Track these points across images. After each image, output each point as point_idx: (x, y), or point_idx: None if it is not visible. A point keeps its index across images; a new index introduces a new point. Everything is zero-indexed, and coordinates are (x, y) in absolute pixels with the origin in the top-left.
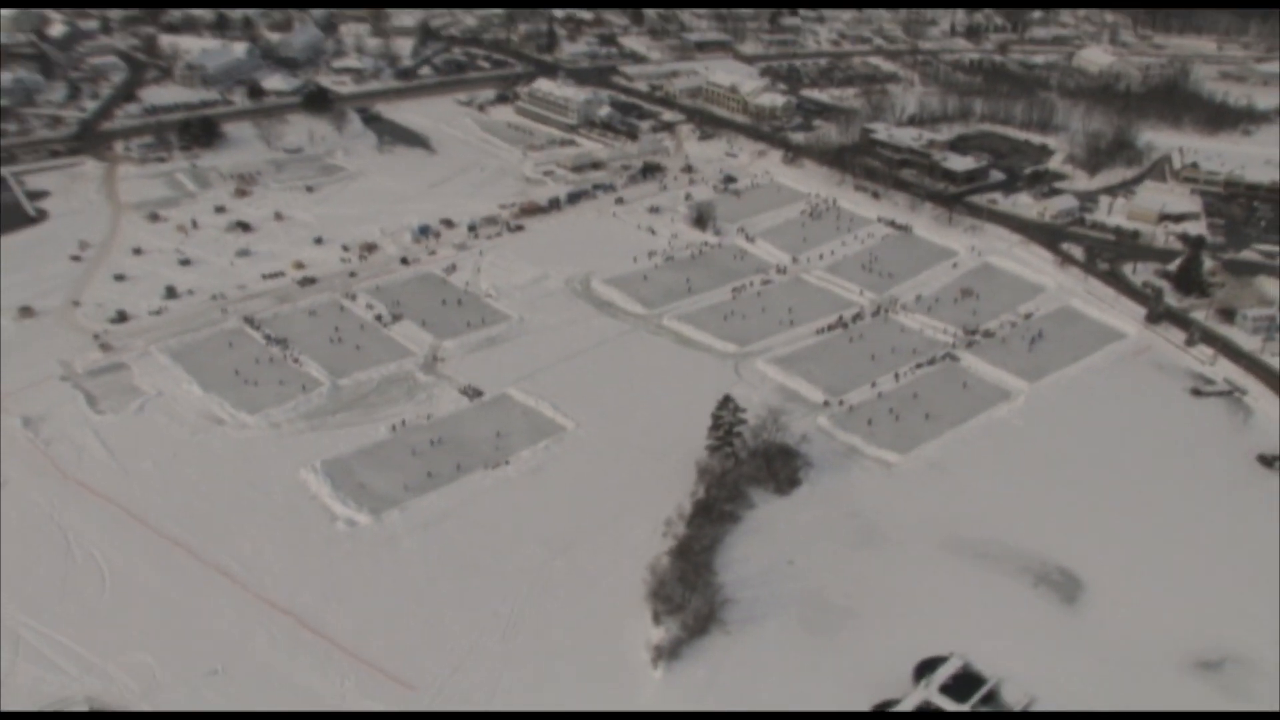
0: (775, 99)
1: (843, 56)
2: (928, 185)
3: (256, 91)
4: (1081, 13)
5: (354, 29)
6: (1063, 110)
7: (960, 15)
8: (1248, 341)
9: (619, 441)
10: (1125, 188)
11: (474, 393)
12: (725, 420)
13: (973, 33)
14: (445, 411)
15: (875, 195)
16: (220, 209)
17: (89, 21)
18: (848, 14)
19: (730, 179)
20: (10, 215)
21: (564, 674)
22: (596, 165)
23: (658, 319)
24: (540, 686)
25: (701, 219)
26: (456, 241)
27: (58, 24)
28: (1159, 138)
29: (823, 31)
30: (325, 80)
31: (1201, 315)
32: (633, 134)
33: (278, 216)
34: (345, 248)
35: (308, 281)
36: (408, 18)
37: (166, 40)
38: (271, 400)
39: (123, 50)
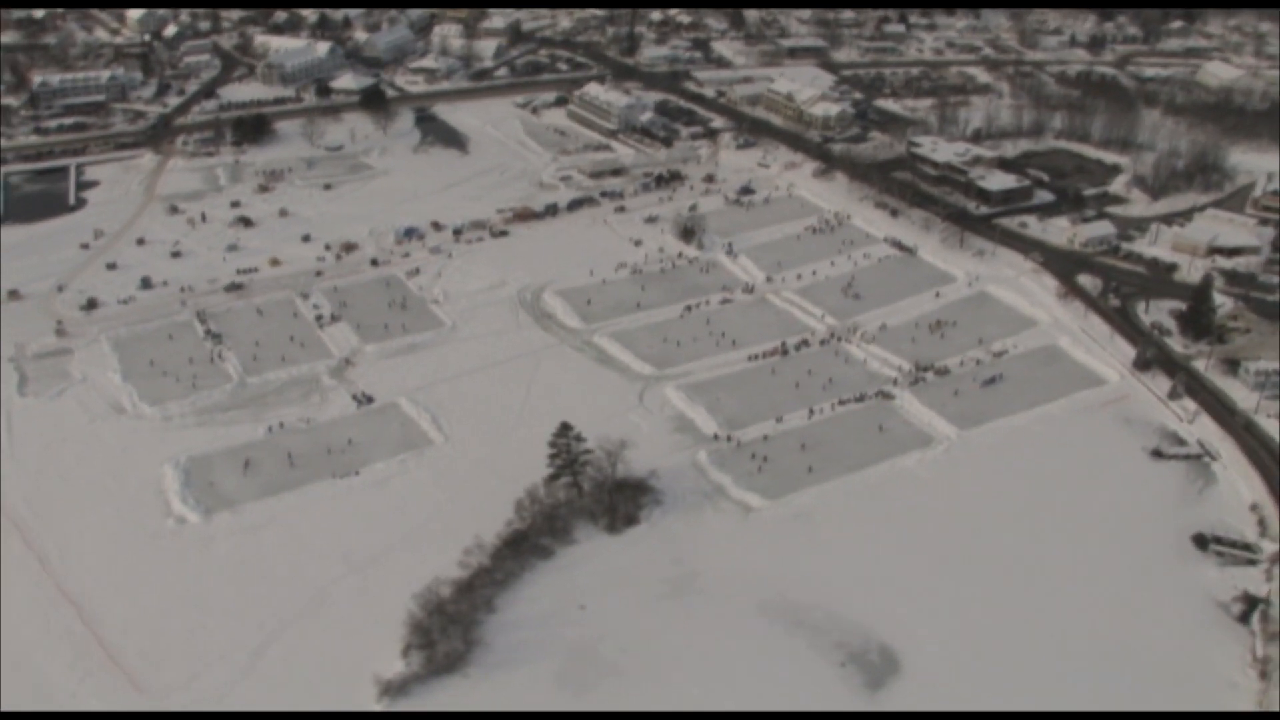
0: (829, 108)
1: (940, 66)
2: (959, 204)
3: (324, 90)
4: (1232, 21)
5: (448, 29)
6: (1153, 127)
7: (1090, 24)
8: (1246, 398)
9: (479, 461)
10: (1186, 215)
11: (365, 399)
12: (563, 448)
13: (1096, 43)
14: (328, 417)
15: (894, 213)
16: (235, 204)
17: (204, 22)
18: (962, 21)
19: (747, 190)
20: (52, 203)
21: (292, 696)
22: (618, 172)
23: (590, 334)
24: (264, 706)
25: (688, 232)
26: (434, 245)
27: (172, 25)
28: (1259, 162)
29: (929, 39)
30: (400, 80)
31: (1203, 364)
32: (668, 141)
33: (282, 213)
34: (327, 246)
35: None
36: (503, 19)
37: (260, 40)
38: (176, 393)
39: (226, 50)
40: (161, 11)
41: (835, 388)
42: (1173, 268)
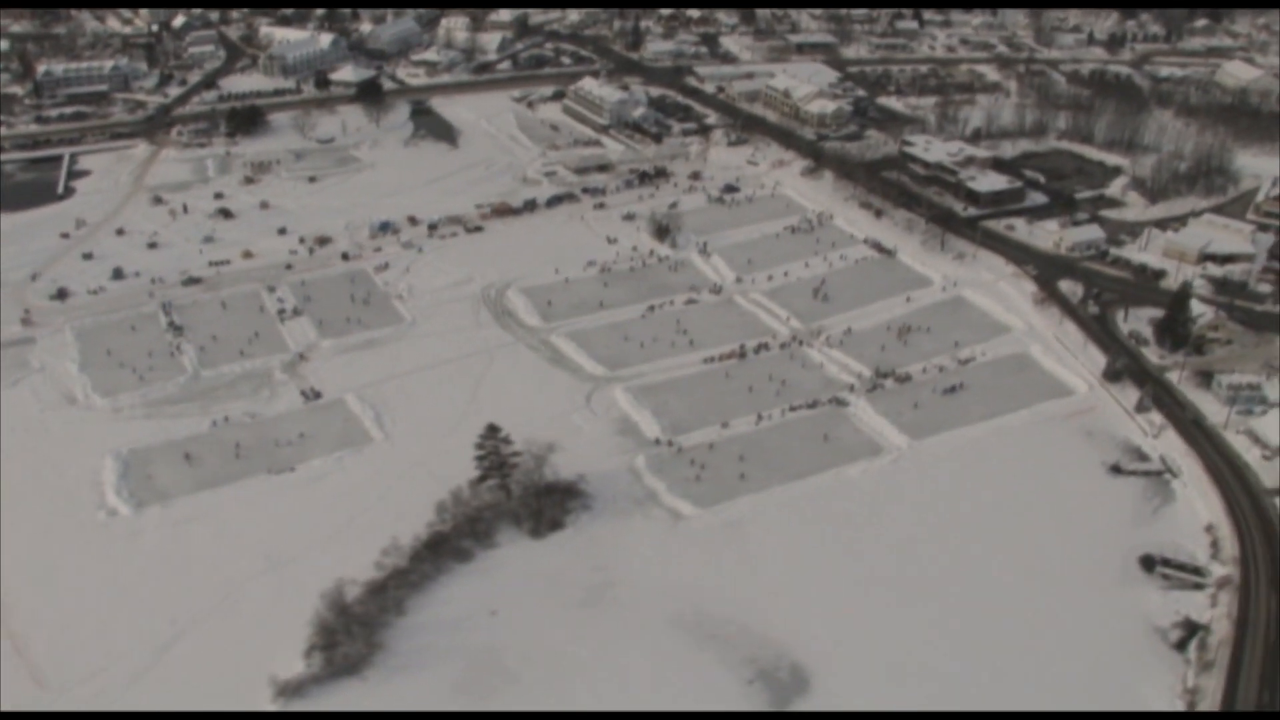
0: (826, 105)
1: (950, 64)
2: (948, 205)
3: (323, 82)
4: (1260, 20)
5: (454, 22)
6: (1159, 129)
7: (1110, 22)
8: (1217, 412)
9: (416, 461)
10: (1182, 220)
11: (313, 395)
12: (490, 450)
13: (1115, 42)
14: (274, 412)
15: (878, 214)
16: (219, 195)
17: (213, 13)
18: (978, 18)
19: (731, 188)
20: (41, 192)
21: (190, 695)
22: (603, 168)
23: (548, 333)
24: (162, 704)
25: (662, 230)
26: (406, 240)
27: (181, 15)
28: (1268, 165)
29: (942, 36)
30: (401, 72)
31: (1176, 376)
32: (658, 137)
33: (263, 205)
34: (301, 239)
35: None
36: (510, 12)
37: (265, 31)
38: (129, 385)
39: (232, 41)
40: None
41: (789, 393)
42: (1160, 274)
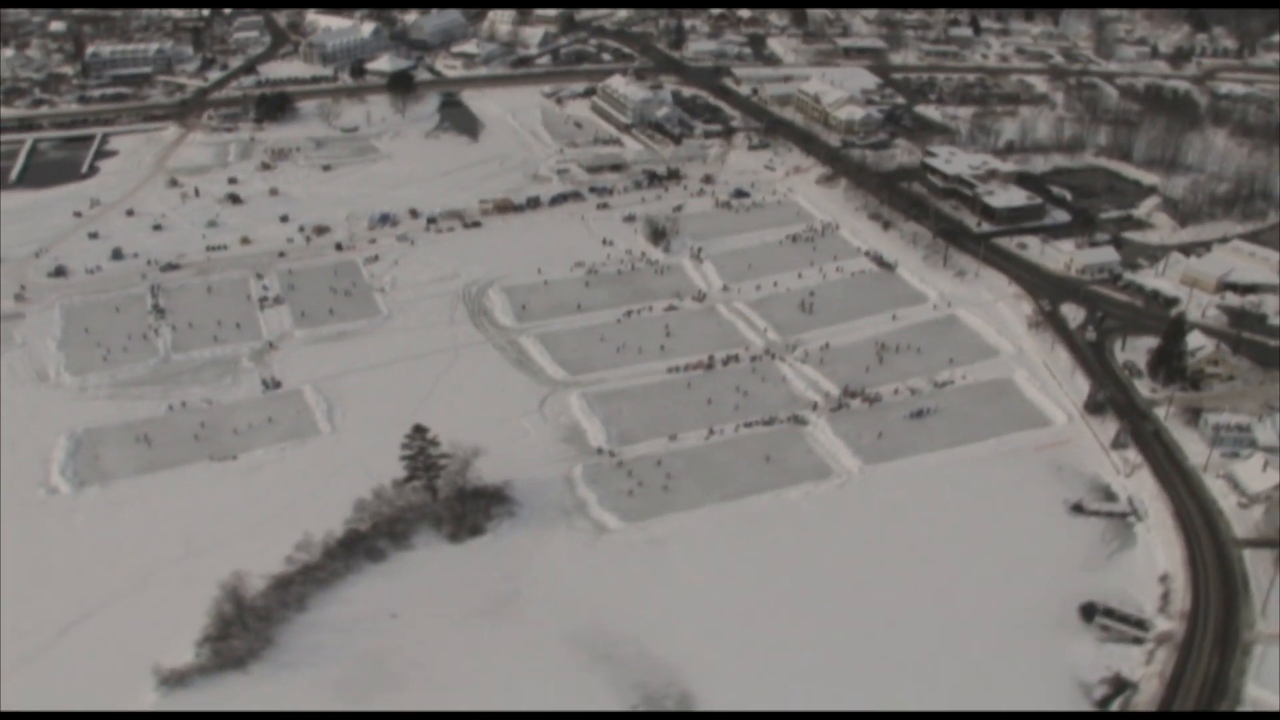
0: (854, 112)
1: (1000, 73)
2: (962, 220)
3: (358, 71)
4: None
5: (500, 15)
6: (1204, 149)
7: (1179, 35)
8: (1201, 453)
9: (356, 456)
10: (1208, 245)
11: (273, 384)
12: (415, 450)
13: (1181, 56)
14: (231, 399)
15: (886, 225)
16: (232, 180)
17: None
18: (1038, 27)
19: (741, 193)
20: (67, 171)
21: (78, 680)
22: (616, 167)
23: (519, 334)
24: (42, 690)
25: (658, 233)
26: (401, 232)
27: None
28: None
29: (996, 45)
30: (440, 64)
31: (1164, 412)
32: (678, 138)
33: (273, 192)
34: (301, 228)
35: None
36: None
37: (311, 18)
38: (100, 365)
39: (279, 27)
40: None
41: (749, 408)
42: (1173, 302)
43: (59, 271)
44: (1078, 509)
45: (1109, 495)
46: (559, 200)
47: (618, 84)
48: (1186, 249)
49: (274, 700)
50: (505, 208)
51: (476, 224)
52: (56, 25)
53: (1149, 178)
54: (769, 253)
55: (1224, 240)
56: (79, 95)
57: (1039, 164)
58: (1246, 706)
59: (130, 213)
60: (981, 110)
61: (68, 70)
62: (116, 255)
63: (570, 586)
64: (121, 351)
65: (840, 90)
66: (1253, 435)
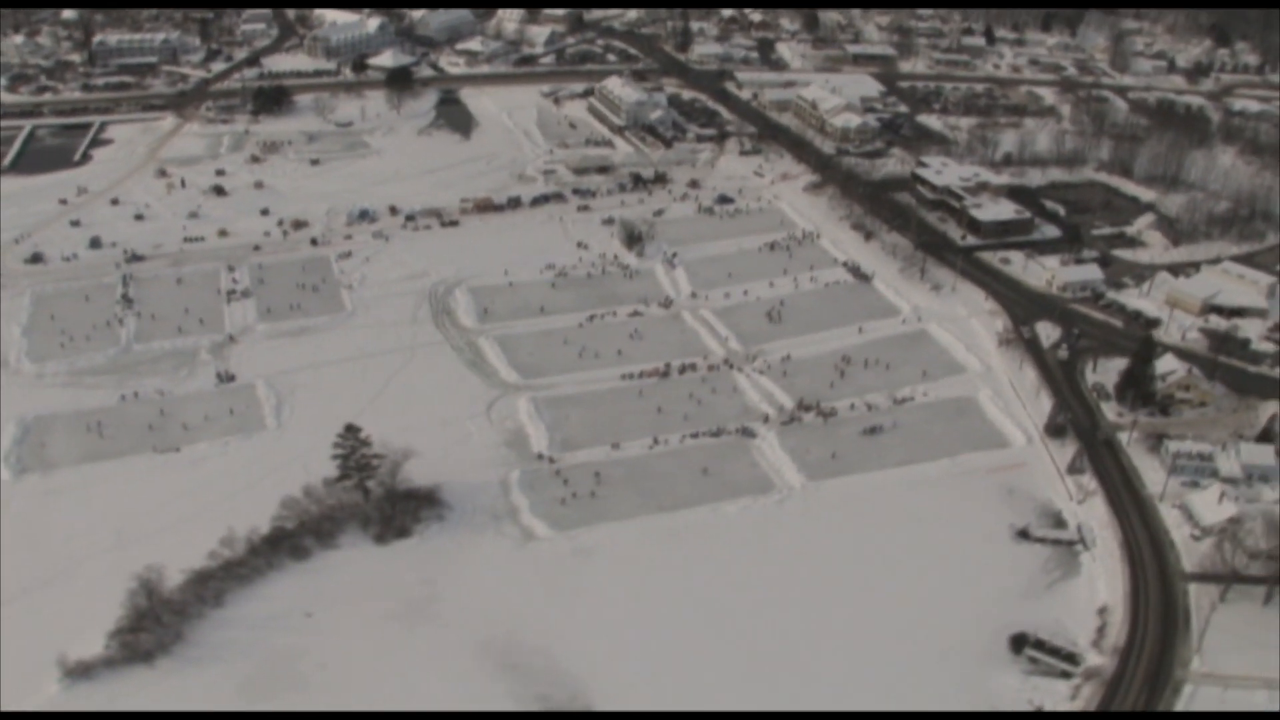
0: (850, 119)
1: (1010, 84)
2: (947, 232)
3: (360, 66)
4: None
5: (509, 13)
6: (1206, 167)
7: (1199, 50)
8: (1159, 482)
9: (298, 453)
10: (1198, 265)
11: (227, 378)
12: (346, 450)
13: (1199, 71)
14: (184, 391)
15: (868, 236)
16: (220, 172)
17: None
18: (1054, 38)
19: (725, 199)
20: (60, 158)
21: None
22: (603, 169)
23: (477, 335)
24: None
25: (633, 238)
26: (377, 229)
27: None
28: None
29: (1009, 55)
30: (443, 61)
31: (1127, 437)
32: (669, 141)
33: (258, 185)
34: (279, 222)
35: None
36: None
37: (319, 12)
38: (60, 353)
39: (288, 19)
40: None
41: (700, 418)
42: (1154, 323)
43: (36, 258)
44: (1023, 535)
45: (1058, 522)
46: (540, 201)
47: (614, 85)
48: (1176, 269)
49: (175, 696)
50: (485, 207)
51: (454, 223)
52: (68, 14)
53: (1148, 194)
54: (745, 260)
55: (1215, 261)
56: (83, 83)
57: (1035, 177)
58: None
59: (115, 201)
60: (985, 121)
61: (75, 58)
62: (94, 244)
63: (489, 593)
64: (84, 340)
65: (838, 97)
66: (1214, 465)
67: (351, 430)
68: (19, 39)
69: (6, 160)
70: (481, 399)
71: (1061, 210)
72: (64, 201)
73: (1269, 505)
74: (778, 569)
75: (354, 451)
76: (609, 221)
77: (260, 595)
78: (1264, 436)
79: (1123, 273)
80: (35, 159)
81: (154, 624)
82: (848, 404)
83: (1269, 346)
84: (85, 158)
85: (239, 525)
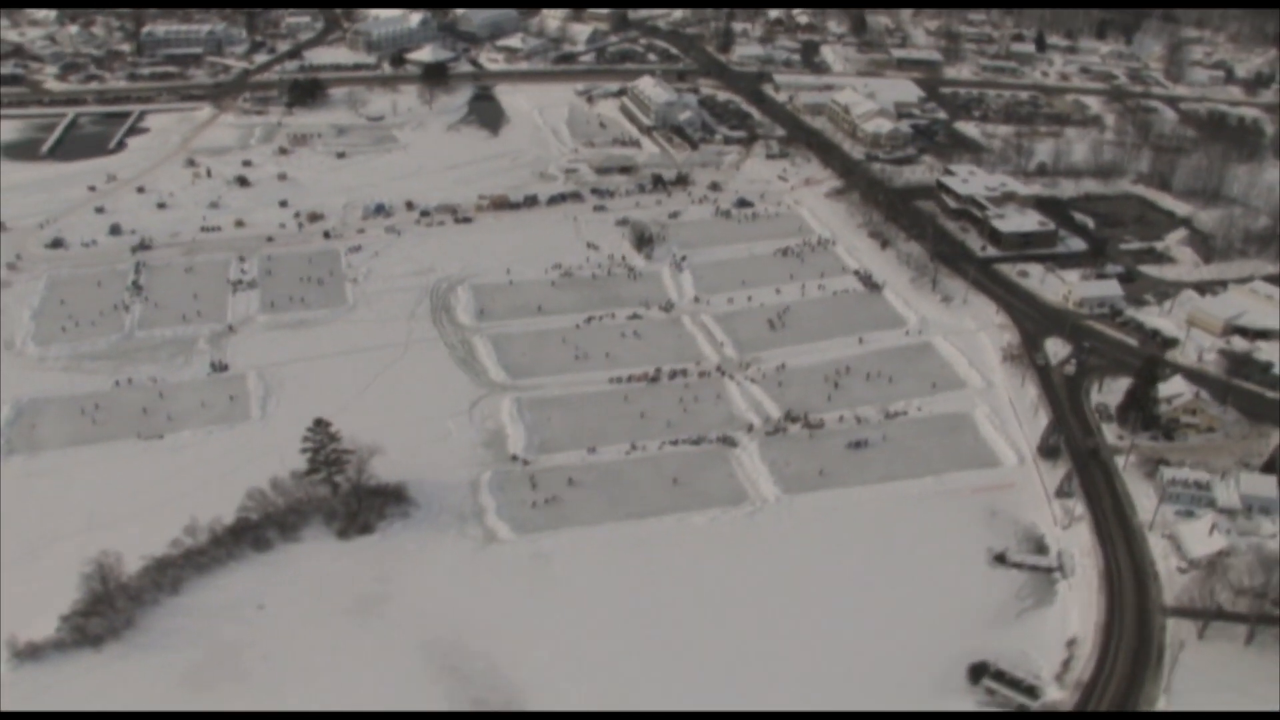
0: (882, 125)
1: (1056, 92)
2: (968, 242)
3: (398, 60)
4: None
5: (553, 11)
6: (1250, 180)
7: (1261, 60)
8: (1149, 509)
9: (276, 445)
10: (1224, 284)
11: (220, 367)
12: (315, 444)
13: (1260, 82)
14: (178, 379)
15: (884, 244)
16: (246, 163)
17: None
18: (1108, 46)
19: (744, 203)
20: (95, 146)
21: None
22: (626, 169)
23: (472, 333)
24: None
25: (643, 240)
26: (389, 224)
27: None
28: None
29: (1059, 63)
30: (483, 57)
31: (1123, 461)
32: (696, 142)
33: (281, 177)
34: (296, 214)
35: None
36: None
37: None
38: (65, 337)
39: (335, 14)
40: None
41: (683, 426)
42: (1172, 343)
43: (56, 243)
44: (1000, 559)
45: (1039, 547)
46: (557, 200)
47: (645, 86)
48: (1203, 287)
49: (117, 681)
50: (501, 205)
51: (468, 219)
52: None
53: (1185, 209)
54: (754, 265)
55: (1245, 280)
56: (129, 73)
57: (1068, 188)
58: None
59: (141, 190)
60: (1024, 129)
61: (125, 48)
62: (114, 231)
63: (442, 594)
64: (89, 325)
65: (871, 102)
66: (1211, 494)
67: (321, 424)
68: (73, 29)
69: (45, 146)
70: (466, 398)
71: (1091, 223)
72: (93, 188)
73: (1266, 539)
74: (739, 583)
75: (323, 446)
76: (623, 222)
77: (217, 585)
78: (1269, 466)
79: (1147, 289)
80: (73, 146)
81: (107, 609)
82: (837, 416)
83: None
84: (120, 145)
85: (208, 514)
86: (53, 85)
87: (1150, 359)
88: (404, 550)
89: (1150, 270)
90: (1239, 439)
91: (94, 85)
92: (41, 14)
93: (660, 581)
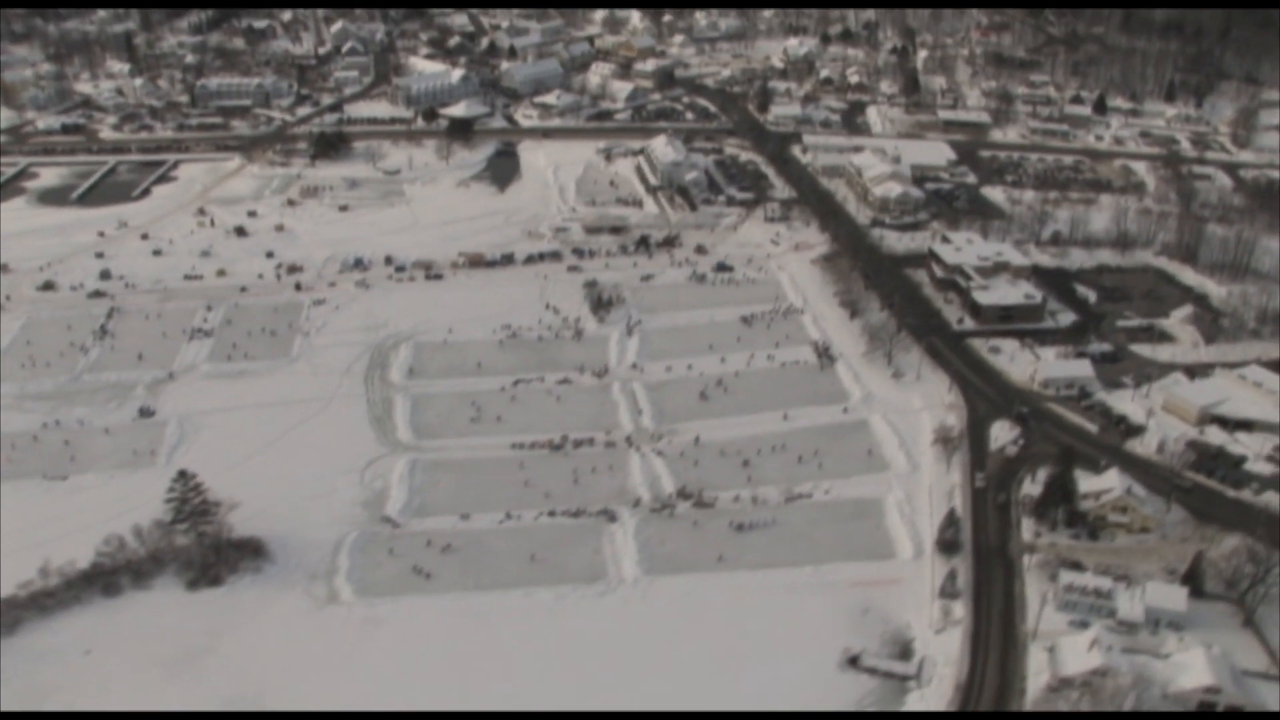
0: (892, 189)
1: (1106, 157)
2: (944, 312)
3: (430, 114)
4: None
5: (602, 69)
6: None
7: None
8: (1047, 616)
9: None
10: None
11: (147, 413)
12: (177, 496)
13: None
14: (104, 422)
15: (853, 314)
16: (251, 214)
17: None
18: (1174, 110)
19: (724, 267)
20: (122, 193)
21: None
22: (616, 230)
23: (395, 392)
24: None
25: (599, 303)
26: (359, 279)
27: (352, 41)
28: None
29: (1116, 125)
30: (518, 113)
31: (1028, 561)
32: (695, 204)
33: (278, 228)
34: (278, 266)
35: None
36: (655, 62)
37: (413, 61)
38: (19, 375)
39: (385, 69)
40: (353, 25)
41: (567, 497)
42: (1136, 431)
43: (48, 285)
44: (853, 662)
45: (904, 652)
46: (533, 259)
47: (656, 145)
48: (1194, 370)
49: None
50: (476, 262)
51: (439, 276)
52: (190, 59)
53: (1208, 285)
54: (710, 332)
55: (1240, 364)
56: (179, 123)
57: (1081, 259)
58: None
59: (145, 236)
60: (1056, 196)
61: (184, 100)
62: (104, 276)
63: (264, 652)
64: (44, 366)
65: (885, 164)
66: (1112, 604)
67: (184, 476)
68: (139, 81)
69: (76, 193)
70: (365, 456)
71: (1093, 296)
72: (102, 234)
73: (1160, 658)
74: (567, 665)
75: (187, 499)
76: (591, 284)
77: (53, 628)
78: (1188, 577)
79: (1131, 370)
80: (104, 193)
81: None
82: (733, 496)
83: (1268, 468)
84: (145, 193)
85: (77, 556)
86: (106, 134)
87: (1066, 449)
88: (243, 605)
89: (1142, 350)
90: (1178, 542)
91: (142, 135)
92: (117, 67)
93: (487, 655)
